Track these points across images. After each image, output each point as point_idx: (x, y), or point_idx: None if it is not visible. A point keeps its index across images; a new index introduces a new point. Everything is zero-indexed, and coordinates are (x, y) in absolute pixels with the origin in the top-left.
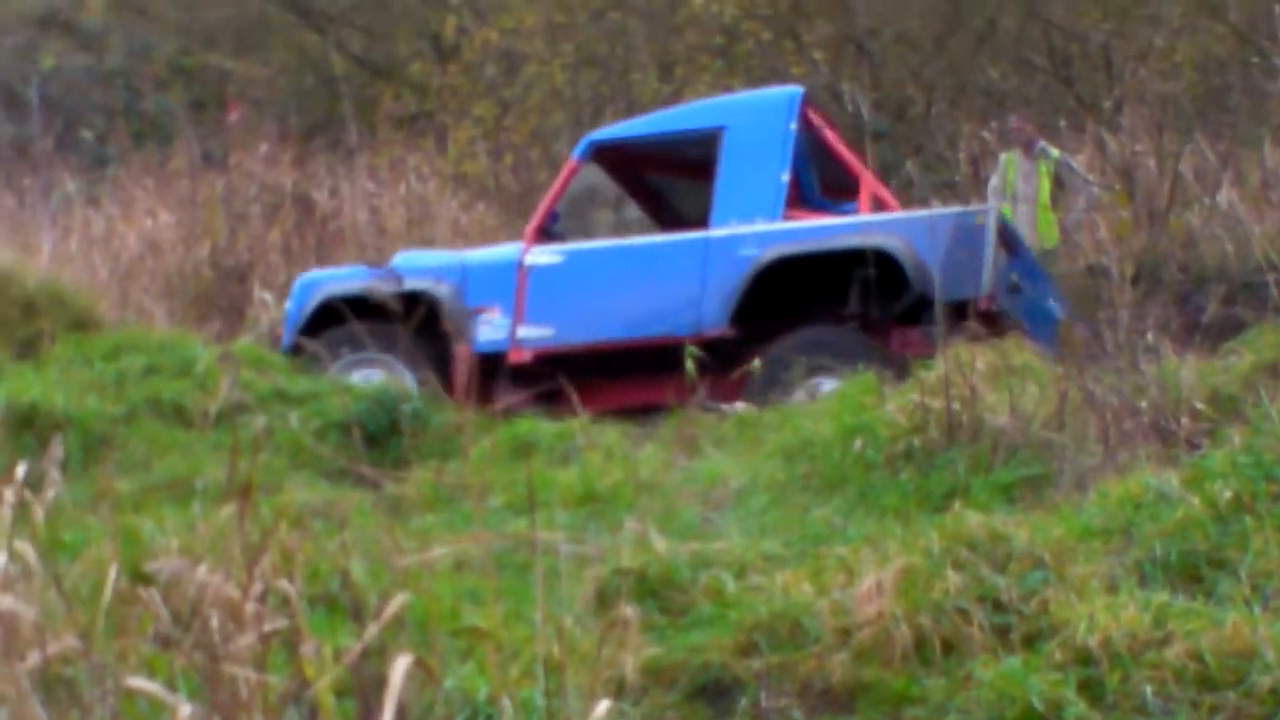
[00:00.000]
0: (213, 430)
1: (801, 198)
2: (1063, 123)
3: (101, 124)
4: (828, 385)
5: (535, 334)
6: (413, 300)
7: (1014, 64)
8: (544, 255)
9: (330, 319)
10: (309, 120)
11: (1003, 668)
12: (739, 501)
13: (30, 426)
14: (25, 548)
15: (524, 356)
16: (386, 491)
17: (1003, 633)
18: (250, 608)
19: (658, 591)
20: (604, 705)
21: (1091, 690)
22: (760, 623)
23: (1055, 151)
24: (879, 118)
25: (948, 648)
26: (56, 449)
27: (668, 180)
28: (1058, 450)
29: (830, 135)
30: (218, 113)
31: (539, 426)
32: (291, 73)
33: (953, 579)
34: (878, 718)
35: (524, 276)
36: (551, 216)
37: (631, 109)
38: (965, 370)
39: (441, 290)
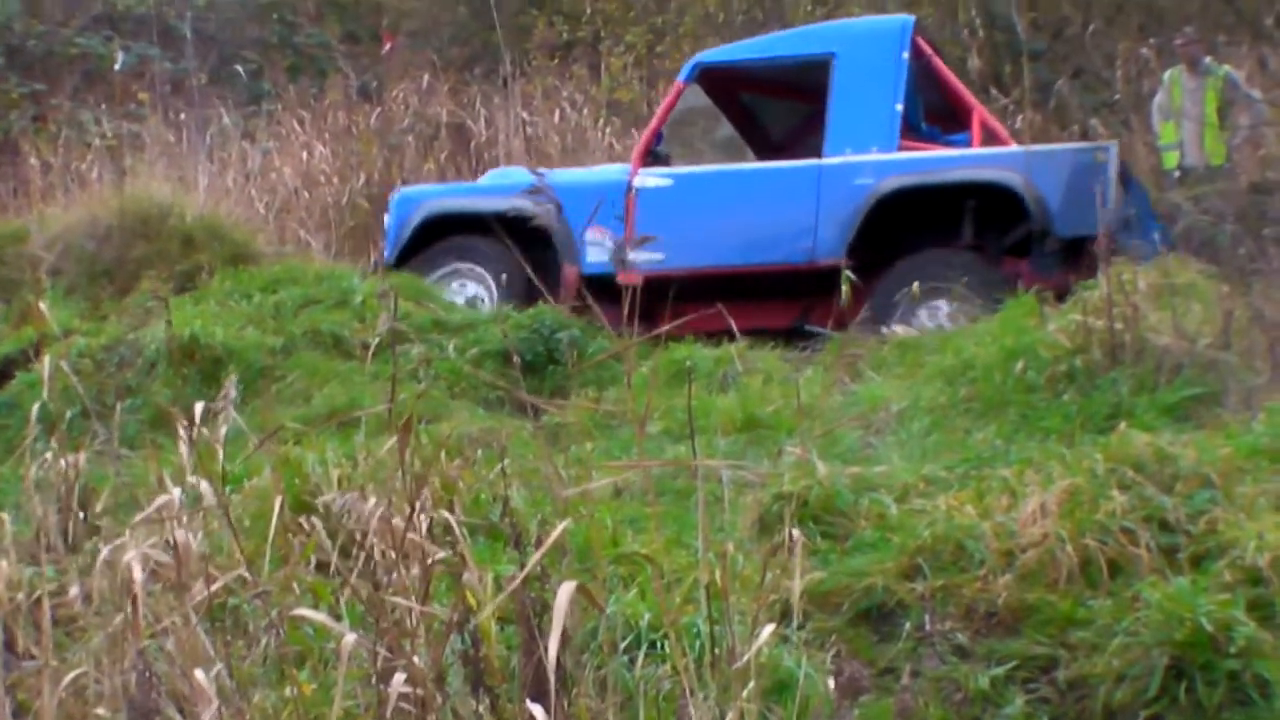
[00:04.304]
0: (371, 361)
1: (909, 126)
2: (1222, 39)
3: (257, 58)
4: (946, 309)
5: (645, 257)
6: (513, 220)
7: None
8: (652, 178)
9: (432, 235)
10: (463, 51)
11: (1170, 589)
12: (900, 425)
13: (191, 359)
14: (201, 482)
15: (633, 279)
16: (545, 420)
17: (1170, 553)
18: (413, 538)
19: (819, 516)
20: (768, 630)
21: (1261, 610)
22: (923, 546)
23: (1223, 69)
24: (1035, 37)
25: (1114, 569)
26: (231, 389)
27: (766, 104)
28: (1223, 369)
29: (940, 64)
30: (372, 45)
31: (697, 352)
32: (444, 3)
33: (1118, 500)
34: (1043, 640)
35: (632, 199)
36: (656, 138)
37: None
38: (1127, 289)
39: (545, 210)
